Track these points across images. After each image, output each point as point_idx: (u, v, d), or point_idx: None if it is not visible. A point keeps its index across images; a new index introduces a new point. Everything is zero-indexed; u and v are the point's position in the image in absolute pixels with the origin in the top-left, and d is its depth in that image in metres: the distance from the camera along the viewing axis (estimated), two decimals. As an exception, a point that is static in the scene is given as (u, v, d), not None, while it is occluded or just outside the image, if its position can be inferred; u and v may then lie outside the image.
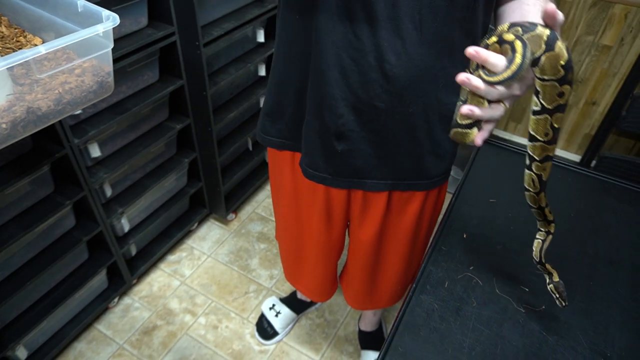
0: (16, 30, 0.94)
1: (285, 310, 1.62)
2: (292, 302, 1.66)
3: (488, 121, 0.60)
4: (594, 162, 2.08)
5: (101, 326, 1.63)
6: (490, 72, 0.55)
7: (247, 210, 2.10)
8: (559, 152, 2.25)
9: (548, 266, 0.74)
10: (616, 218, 0.95)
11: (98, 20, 0.79)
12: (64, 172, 1.32)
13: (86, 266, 1.53)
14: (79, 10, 0.81)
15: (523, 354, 0.70)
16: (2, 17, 0.95)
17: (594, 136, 2.04)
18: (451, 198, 0.99)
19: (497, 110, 0.59)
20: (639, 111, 1.88)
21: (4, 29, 0.94)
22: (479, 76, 0.56)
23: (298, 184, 0.99)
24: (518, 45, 0.53)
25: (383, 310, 1.55)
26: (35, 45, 0.93)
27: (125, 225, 1.60)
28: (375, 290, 1.15)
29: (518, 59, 0.53)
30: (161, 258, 1.86)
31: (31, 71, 0.71)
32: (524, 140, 2.31)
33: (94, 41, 0.79)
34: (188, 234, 1.97)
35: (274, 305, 1.64)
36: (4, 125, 0.69)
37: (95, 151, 1.39)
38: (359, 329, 1.60)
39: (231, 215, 2.02)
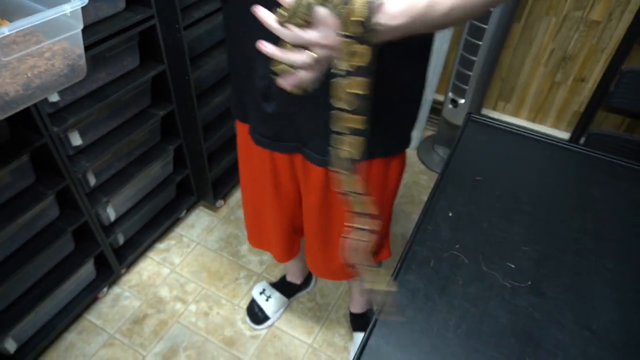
0: (-17, 14, 0.90)
1: (275, 295, 1.62)
2: (282, 286, 1.65)
3: (298, 67, 0.56)
4: (583, 139, 2.08)
5: (91, 316, 1.62)
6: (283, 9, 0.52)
7: (236, 196, 2.08)
8: (549, 130, 2.25)
9: None
10: (603, 192, 0.95)
11: (65, 1, 0.75)
12: (44, 161, 1.29)
13: (73, 257, 1.51)
14: (46, -9, 0.78)
15: (510, 329, 0.70)
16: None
17: (583, 113, 2.03)
18: (437, 178, 0.97)
19: (297, 56, 0.54)
20: (627, 86, 1.87)
21: (-30, 13, 0.91)
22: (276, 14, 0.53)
23: (250, 149, 1.02)
24: None
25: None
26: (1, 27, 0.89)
27: (111, 214, 1.58)
28: (330, 258, 1.14)
29: None
30: (150, 247, 1.85)
31: (-4, 54, 0.68)
32: (512, 119, 2.30)
33: (62, 22, 0.75)
34: (176, 221, 1.95)
35: (264, 290, 1.64)
36: (-35, 110, 0.66)
37: (76, 139, 1.36)
38: (350, 311, 1.60)
39: (220, 202, 2.00)
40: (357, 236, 0.62)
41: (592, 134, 2.04)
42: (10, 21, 0.85)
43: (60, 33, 0.75)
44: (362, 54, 0.51)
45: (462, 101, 2.06)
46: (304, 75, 0.56)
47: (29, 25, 0.66)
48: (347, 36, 0.50)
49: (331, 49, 0.53)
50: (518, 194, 0.94)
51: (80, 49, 0.79)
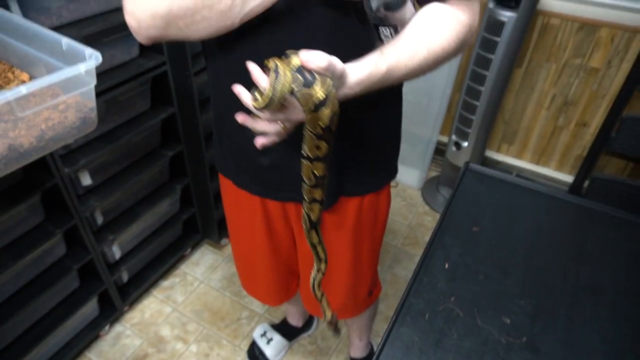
0: (4, 66, 0.97)
1: (277, 337, 1.61)
2: (284, 328, 1.64)
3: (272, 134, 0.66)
4: (586, 183, 2.09)
5: (92, 354, 1.62)
6: (259, 94, 0.59)
7: (241, 234, 2.10)
8: (552, 173, 2.26)
9: (324, 302, 0.85)
10: (599, 244, 0.95)
11: (81, 58, 0.81)
12: (54, 200, 1.33)
13: (77, 294, 1.53)
14: (64, 49, 0.83)
15: (503, 387, 0.70)
16: (-8, 54, 0.97)
17: (586, 157, 2.05)
18: (434, 227, 0.99)
19: (270, 127, 0.65)
20: (628, 132, 1.89)
21: (-7, 65, 0.97)
22: (250, 95, 0.61)
23: (239, 200, 1.03)
24: (272, 77, 0.56)
25: (369, 336, 1.53)
26: (23, 81, 0.95)
27: (116, 252, 1.60)
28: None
29: (269, 91, 0.56)
30: (154, 284, 1.86)
31: (13, 110, 0.73)
32: (516, 162, 2.32)
33: (77, 78, 0.80)
34: (181, 259, 1.97)
35: (265, 332, 1.63)
36: (-18, 164, 0.70)
37: (86, 179, 1.40)
38: (350, 356, 1.58)
39: (224, 240, 2.02)
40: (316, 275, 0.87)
41: (595, 178, 2.05)
42: (30, 74, 0.91)
43: (75, 88, 0.80)
44: (322, 148, 0.62)
45: (465, 144, 2.09)
46: (276, 137, 0.67)
47: (46, 85, 0.71)
48: (311, 119, 0.58)
49: (298, 121, 0.64)
50: (514, 245, 0.95)
51: (92, 103, 0.84)
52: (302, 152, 0.64)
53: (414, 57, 0.64)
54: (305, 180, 0.69)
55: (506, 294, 0.84)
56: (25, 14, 1.09)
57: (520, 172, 2.32)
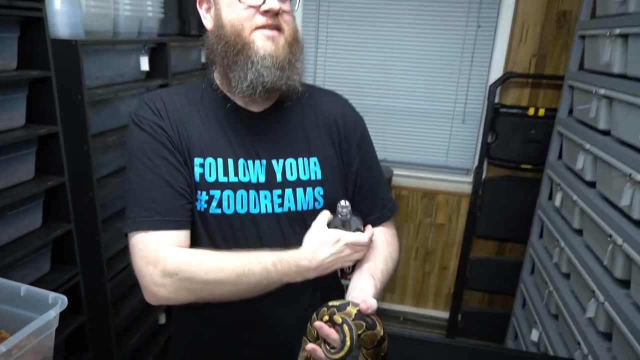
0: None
1: None
2: None
3: None
4: (459, 316, 2.47)
5: None
6: (331, 347, 0.71)
7: None
8: (431, 312, 2.62)
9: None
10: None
11: (45, 303, 0.88)
12: None
13: None
14: (22, 295, 0.91)
15: None
16: None
17: (453, 295, 2.46)
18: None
19: None
20: (478, 272, 2.38)
21: None
22: (323, 349, 0.71)
23: None
24: (346, 329, 0.69)
25: None
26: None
27: None
28: None
29: (348, 342, 0.68)
30: None
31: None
32: (399, 307, 2.64)
33: (46, 324, 0.86)
34: None
35: None
36: None
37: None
38: None
39: None
40: None
41: (465, 311, 2.45)
42: (7, 330, 0.93)
43: (42, 333, 0.86)
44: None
45: (358, 299, 2.36)
46: None
47: (23, 336, 0.78)
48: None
49: None
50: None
51: (51, 342, 0.89)
52: None
53: (387, 272, 0.87)
54: None
55: None
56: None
57: (405, 316, 2.63)
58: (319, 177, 0.87)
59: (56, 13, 1.28)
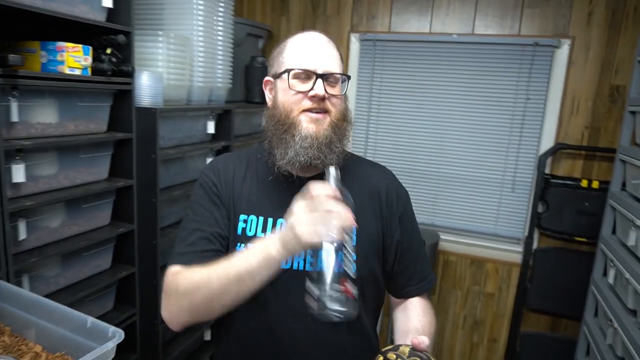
0: (17, 339, 1.13)
1: None
2: None
3: None
4: (510, 396, 2.32)
5: None
6: None
7: None
8: (479, 387, 2.49)
9: None
10: None
11: (104, 335, 1.01)
12: None
13: None
14: (88, 326, 1.04)
15: None
16: (5, 327, 1.14)
17: (503, 371, 2.34)
18: None
19: None
20: (529, 347, 2.26)
21: (6, 339, 1.13)
22: None
23: None
24: None
25: None
26: (36, 352, 1.11)
27: None
28: None
29: None
30: None
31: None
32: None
33: (104, 354, 0.98)
34: None
35: None
36: None
37: None
38: None
39: None
40: None
41: (515, 390, 2.31)
42: (43, 345, 1.07)
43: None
44: None
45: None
46: None
47: (85, 363, 0.89)
48: None
49: None
50: None
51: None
52: None
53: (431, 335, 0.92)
54: None
55: None
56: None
57: (452, 389, 2.52)
58: (353, 243, 0.93)
59: (142, 86, 1.52)
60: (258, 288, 0.81)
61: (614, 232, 1.84)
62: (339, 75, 0.91)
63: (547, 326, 2.30)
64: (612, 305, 1.63)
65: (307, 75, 0.89)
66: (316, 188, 0.76)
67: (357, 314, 0.75)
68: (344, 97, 0.95)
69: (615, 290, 1.68)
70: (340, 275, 0.74)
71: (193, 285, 0.83)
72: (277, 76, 0.93)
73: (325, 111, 0.90)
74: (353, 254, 0.79)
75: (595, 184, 2.08)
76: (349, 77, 0.94)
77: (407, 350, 0.77)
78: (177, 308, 0.88)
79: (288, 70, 0.90)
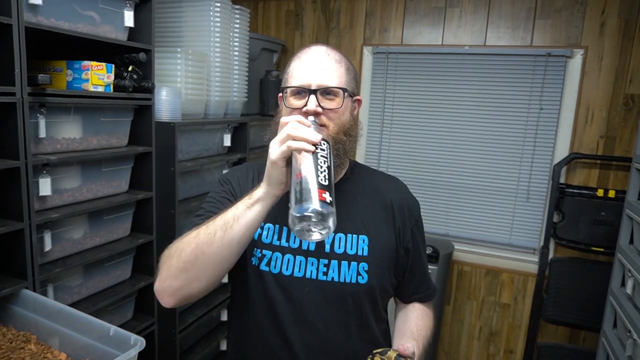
0: (42, 347, 1.17)
1: None
2: None
3: None
4: (527, 408, 2.29)
5: None
6: None
7: None
8: (496, 399, 2.46)
9: None
10: None
11: (127, 342, 1.04)
12: None
13: None
14: (111, 334, 1.07)
15: None
16: (32, 336, 1.18)
17: (520, 383, 2.31)
18: None
19: None
20: (546, 359, 2.24)
21: (32, 347, 1.17)
22: None
23: None
24: None
25: None
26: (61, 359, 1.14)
27: None
28: None
29: None
30: None
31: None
32: (463, 390, 2.51)
33: None
34: None
35: None
36: None
37: None
38: None
39: None
40: None
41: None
42: (67, 353, 1.11)
43: (118, 368, 1.01)
44: None
45: (415, 377, 2.30)
46: None
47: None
48: None
49: None
50: None
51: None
52: None
53: (426, 339, 0.97)
54: None
55: None
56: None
57: (468, 401, 2.49)
58: (365, 253, 0.95)
59: (162, 101, 1.57)
60: (244, 237, 0.81)
61: (631, 241, 1.82)
62: (336, 89, 0.90)
63: (565, 337, 2.27)
64: (631, 316, 1.62)
65: (301, 91, 0.90)
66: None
67: (331, 217, 0.73)
68: (348, 110, 0.94)
69: (634, 300, 1.67)
70: (315, 184, 0.74)
71: (183, 243, 0.84)
72: (280, 92, 0.97)
73: (322, 125, 0.89)
74: (327, 163, 0.77)
75: (611, 194, 2.06)
76: (344, 90, 0.91)
77: (393, 355, 0.83)
78: (166, 272, 0.85)
79: (285, 89, 0.93)
